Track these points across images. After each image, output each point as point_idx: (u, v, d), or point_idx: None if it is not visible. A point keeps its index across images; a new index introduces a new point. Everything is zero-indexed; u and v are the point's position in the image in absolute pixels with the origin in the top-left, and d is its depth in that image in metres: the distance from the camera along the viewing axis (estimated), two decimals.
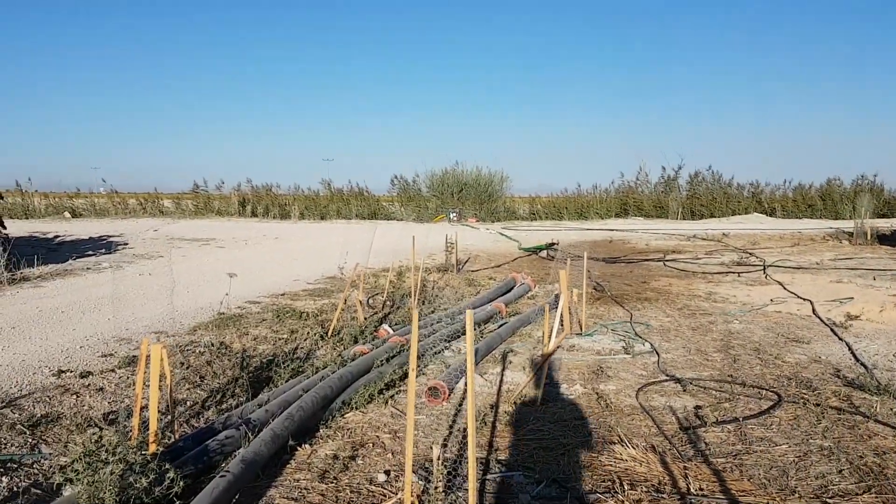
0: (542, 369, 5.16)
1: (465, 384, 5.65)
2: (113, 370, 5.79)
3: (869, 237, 18.07)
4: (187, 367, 5.91)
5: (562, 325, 6.81)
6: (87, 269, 12.52)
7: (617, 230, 24.45)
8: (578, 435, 4.47)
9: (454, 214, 29.63)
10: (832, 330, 7.62)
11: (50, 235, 19.45)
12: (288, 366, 5.91)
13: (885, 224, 21.49)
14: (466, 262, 14.28)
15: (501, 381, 5.78)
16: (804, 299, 9.61)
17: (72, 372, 5.69)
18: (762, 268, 13.33)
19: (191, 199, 34.48)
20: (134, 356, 6.14)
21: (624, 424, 4.67)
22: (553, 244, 16.60)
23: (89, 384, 5.38)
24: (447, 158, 65.65)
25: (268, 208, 32.57)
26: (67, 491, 3.64)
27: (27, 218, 29.28)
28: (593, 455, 4.10)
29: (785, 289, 10.67)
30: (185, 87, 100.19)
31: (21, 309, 8.47)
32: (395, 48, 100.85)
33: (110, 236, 19.48)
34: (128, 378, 5.57)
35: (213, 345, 6.53)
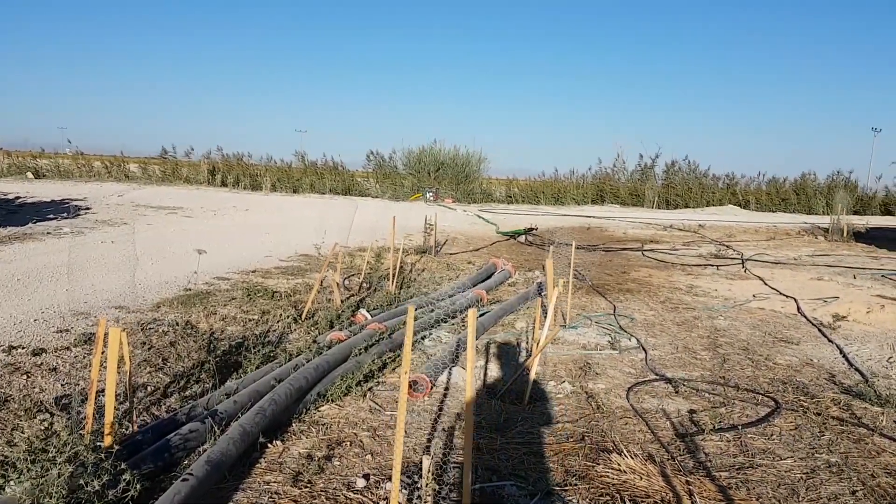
0: (532, 366, 4.86)
1: (448, 378, 5.34)
2: (68, 348, 5.36)
3: (845, 234, 18.13)
4: (149, 348, 5.50)
5: (552, 319, 6.52)
6: (48, 233, 11.92)
7: (594, 217, 24.29)
8: (571, 440, 4.18)
9: (430, 194, 29.21)
10: (820, 331, 7.45)
11: (10, 196, 18.63)
12: (259, 351, 5.53)
13: (860, 221, 21.63)
14: (444, 244, 13.94)
15: (485, 375, 5.49)
16: (787, 296, 9.47)
17: (24, 349, 5.24)
18: (740, 261, 13.23)
19: (158, 164, 33.46)
20: (91, 333, 5.70)
21: (617, 429, 4.40)
22: (531, 229, 16.34)
23: (42, 363, 4.95)
24: (425, 137, 64.94)
25: (238, 178, 31.75)
26: (8, 491, 3.25)
27: None
28: (589, 464, 3.82)
29: (766, 284, 10.54)
30: (158, 48, 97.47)
31: None
32: (377, 25, 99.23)
33: (73, 200, 18.72)
34: (84, 357, 5.14)
35: (177, 324, 6.12)
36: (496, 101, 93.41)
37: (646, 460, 3.86)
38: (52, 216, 14.51)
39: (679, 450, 4.13)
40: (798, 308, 8.70)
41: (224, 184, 31.52)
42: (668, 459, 3.96)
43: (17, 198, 18.44)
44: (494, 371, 5.59)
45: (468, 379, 2.99)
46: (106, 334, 3.78)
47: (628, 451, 3.93)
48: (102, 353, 3.82)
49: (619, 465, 3.78)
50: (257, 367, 5.24)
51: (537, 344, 5.09)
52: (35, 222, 13.13)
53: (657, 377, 5.60)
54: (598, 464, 3.83)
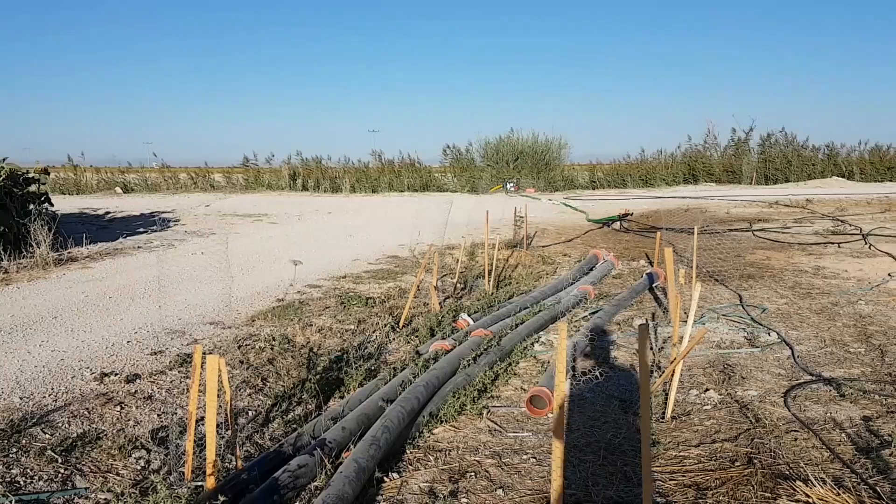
0: (674, 375, 4.21)
1: (570, 390, 4.75)
2: (164, 372, 5.07)
3: None
4: (247, 367, 5.16)
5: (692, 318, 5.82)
6: (138, 247, 11.99)
7: (689, 197, 23.02)
8: (736, 464, 3.53)
9: (511, 185, 28.49)
10: None
11: (100, 212, 19.12)
12: (360, 366, 5.10)
13: None
14: (534, 235, 13.30)
15: (612, 385, 4.86)
16: None
17: (116, 375, 4.98)
18: (862, 237, 12.02)
19: (241, 172, 34.00)
20: (187, 354, 5.41)
21: (787, 447, 3.71)
22: (626, 215, 15.45)
23: (136, 391, 4.66)
24: (501, 126, 63.92)
25: (318, 181, 31.90)
26: None
27: (78, 194, 29.20)
28: (768, 496, 3.16)
29: None
30: (233, 60, 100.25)
31: (66, 294, 7.87)
32: (444, 15, 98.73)
33: (162, 212, 19.06)
34: (181, 382, 4.83)
35: (274, 339, 5.76)
36: (574, 84, 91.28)
37: (837, 488, 3.17)
38: (141, 229, 14.70)
39: (868, 470, 3.42)
40: None
41: (305, 188, 31.76)
42: (859, 484, 3.26)
43: (107, 213, 18.90)
44: (622, 380, 4.96)
45: (556, 399, 2.40)
46: (203, 360, 3.39)
47: (813, 477, 3.25)
48: (200, 380, 3.44)
49: (807, 496, 3.10)
50: (360, 384, 4.81)
51: (676, 346, 4.42)
52: (125, 237, 13.29)
53: (814, 378, 4.84)
54: (779, 495, 3.16)
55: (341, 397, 4.67)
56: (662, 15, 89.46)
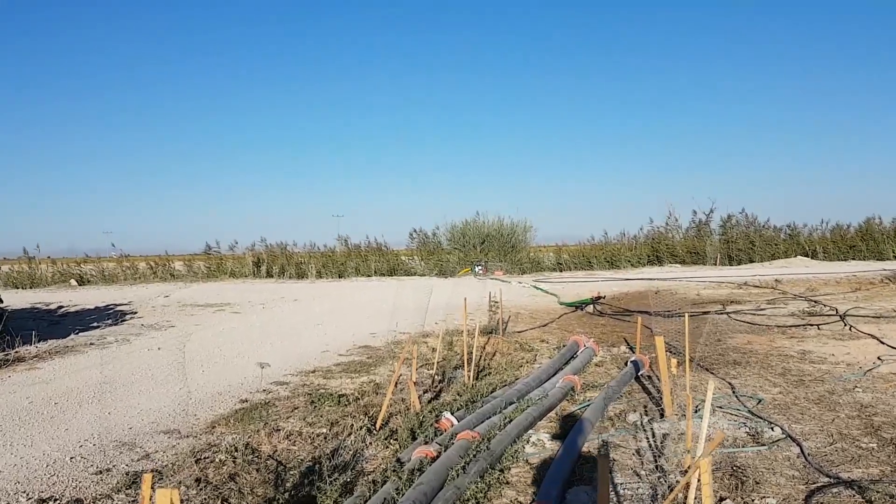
0: (690, 486, 3.76)
1: (570, 502, 4.26)
2: (109, 496, 4.44)
3: None
4: (205, 485, 4.56)
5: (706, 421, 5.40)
6: (91, 344, 11.25)
7: (657, 279, 23.00)
8: None
9: (480, 268, 28.32)
10: None
11: (53, 306, 18.25)
12: (335, 479, 4.55)
13: None
14: (509, 320, 12.91)
15: (619, 497, 4.38)
16: None
17: (57, 502, 4.34)
18: (840, 318, 11.91)
19: (203, 260, 33.27)
20: (136, 473, 4.80)
21: None
22: (598, 298, 15.22)
23: None
24: (467, 210, 64.45)
25: (283, 268, 31.35)
26: None
27: (32, 287, 28.11)
28: None
29: (884, 343, 9.28)
30: (193, 148, 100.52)
31: (8, 401, 7.16)
32: (406, 98, 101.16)
33: (118, 305, 18.26)
34: None
35: (236, 449, 5.18)
36: (537, 168, 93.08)
37: None
38: (95, 324, 13.92)
39: None
40: None
41: (269, 274, 31.14)
42: None
43: (60, 307, 18.04)
44: (630, 489, 4.48)
45: None
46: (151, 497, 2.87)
47: None
48: None
49: None
50: (335, 502, 4.25)
51: (689, 452, 4.00)
52: (77, 332, 12.52)
53: (833, 480, 4.43)
54: None
55: None
56: (616, 96, 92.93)
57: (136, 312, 16.53)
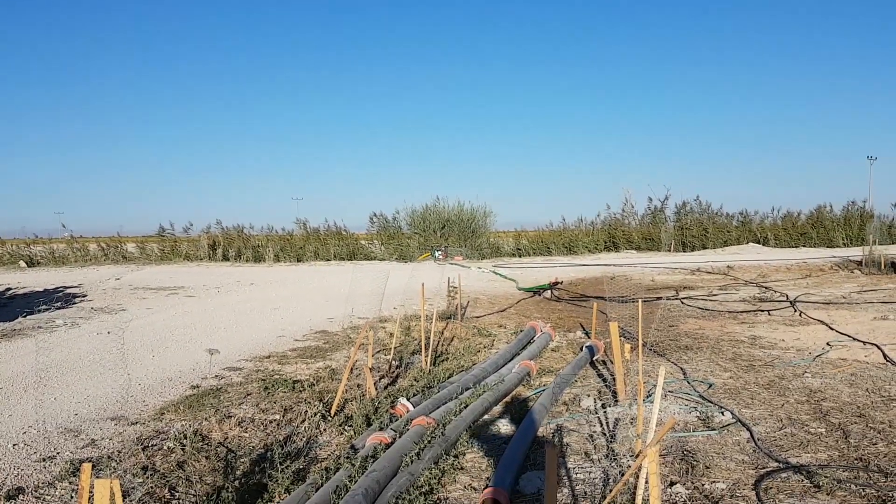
0: (640, 471, 3.79)
1: (516, 484, 4.27)
2: (52, 484, 4.30)
3: (883, 266, 17.13)
4: (152, 473, 4.45)
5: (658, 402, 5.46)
6: (38, 327, 10.91)
7: (613, 265, 23.29)
8: None
9: (440, 253, 28.29)
10: None
11: (0, 288, 17.66)
12: (287, 466, 4.48)
13: (894, 251, 20.60)
14: (467, 305, 12.93)
15: (571, 480, 4.40)
16: (865, 342, 8.44)
17: None
18: (790, 304, 12.20)
19: (156, 242, 32.48)
20: (82, 460, 4.65)
21: None
22: (556, 283, 15.33)
23: None
24: (427, 194, 64.23)
25: (240, 251, 30.83)
26: None
27: None
28: None
29: (833, 329, 9.52)
30: (149, 128, 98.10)
31: None
32: (367, 82, 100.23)
33: (67, 287, 17.75)
34: (70, 498, 4.08)
35: (185, 436, 5.06)
36: (497, 153, 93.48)
37: None
38: (44, 307, 13.50)
39: None
40: (885, 356, 7.67)
41: (226, 258, 30.61)
42: None
43: (8, 289, 17.46)
44: (582, 473, 4.51)
45: None
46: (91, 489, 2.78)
47: None
48: None
49: None
50: (287, 491, 4.19)
51: (640, 437, 4.03)
52: (25, 316, 12.13)
53: (782, 465, 4.53)
54: None
55: None
56: (577, 83, 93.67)
57: (86, 295, 16.10)
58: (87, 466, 2.91)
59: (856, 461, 4.56)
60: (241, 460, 4.68)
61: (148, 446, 4.97)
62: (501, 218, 34.63)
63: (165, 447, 4.92)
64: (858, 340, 8.62)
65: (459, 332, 10.02)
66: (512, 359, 7.86)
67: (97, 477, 4.28)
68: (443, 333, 9.85)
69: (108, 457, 4.79)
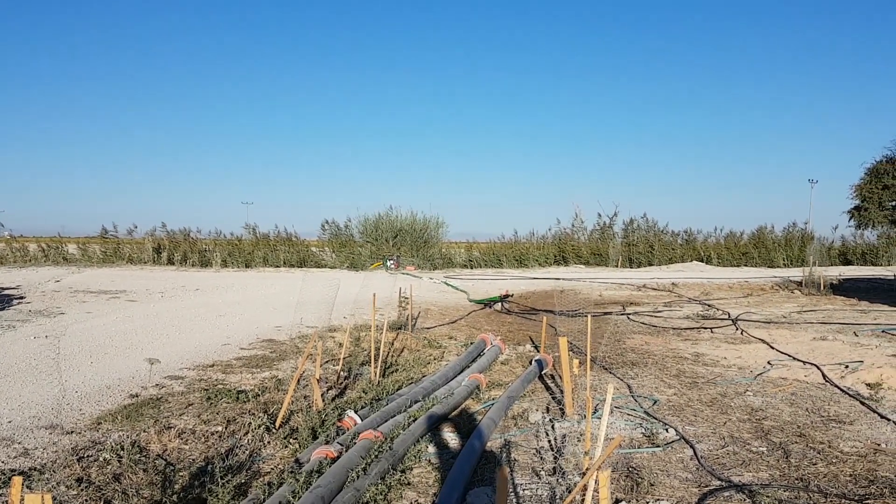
0: (587, 488, 3.81)
1: (472, 503, 4.24)
2: None
3: (822, 287, 17.73)
4: (87, 486, 4.27)
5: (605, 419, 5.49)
6: None
7: (563, 279, 23.56)
8: None
9: (392, 262, 28.18)
10: (865, 405, 6.62)
11: None
12: (228, 481, 4.36)
13: (831, 272, 21.36)
14: (418, 316, 12.88)
15: (518, 498, 4.40)
16: (805, 362, 8.69)
17: None
18: (731, 322, 12.52)
19: (99, 244, 31.49)
20: (13, 470, 4.44)
21: None
22: (507, 296, 15.42)
23: None
24: (379, 203, 64.01)
25: (186, 255, 30.15)
26: None
27: None
28: None
29: (774, 348, 9.77)
30: (93, 126, 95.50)
31: None
32: (325, 87, 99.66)
33: (4, 288, 17.06)
34: None
35: (122, 447, 4.88)
36: (450, 164, 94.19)
37: None
38: None
39: None
40: (824, 377, 7.90)
41: (171, 262, 29.90)
42: None
43: None
44: (529, 490, 4.50)
45: None
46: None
47: None
48: None
49: None
50: None
51: (588, 454, 4.05)
52: None
53: (724, 484, 4.60)
54: None
55: None
56: (532, 96, 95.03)
57: (23, 297, 15.50)
58: (17, 480, 2.77)
59: (796, 481, 4.67)
60: (181, 474, 4.54)
61: (83, 457, 4.78)
62: (454, 229, 34.72)
63: (101, 458, 4.73)
64: (798, 360, 8.87)
65: (410, 344, 9.97)
66: (462, 371, 7.85)
67: (29, 489, 4.10)
68: (393, 344, 9.78)
69: (42, 467, 4.59)
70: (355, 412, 5.87)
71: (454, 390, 6.85)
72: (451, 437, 5.62)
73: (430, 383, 7.08)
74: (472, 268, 30.26)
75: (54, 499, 3.92)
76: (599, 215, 33.53)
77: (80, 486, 4.27)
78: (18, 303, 14.47)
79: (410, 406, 6.20)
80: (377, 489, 4.27)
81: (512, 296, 15.97)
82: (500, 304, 15.12)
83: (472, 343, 9.58)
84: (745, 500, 4.31)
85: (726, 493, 4.42)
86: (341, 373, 7.78)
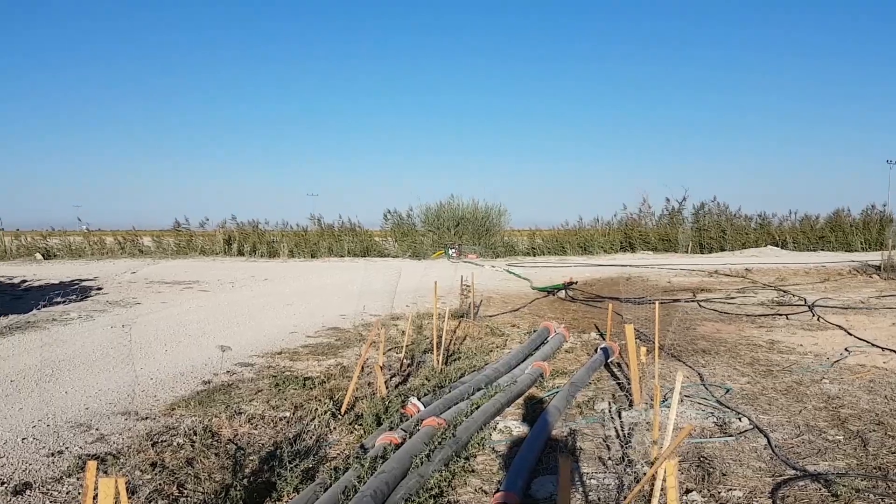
0: (657, 478, 3.70)
1: (529, 487, 4.19)
2: (60, 479, 4.28)
3: None
4: (161, 470, 4.41)
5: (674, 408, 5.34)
6: (53, 320, 10.96)
7: (630, 266, 23.09)
8: None
9: (453, 251, 28.22)
10: None
11: (16, 280, 17.80)
12: (296, 465, 4.43)
13: None
14: (480, 304, 12.84)
15: (584, 486, 4.32)
16: (884, 349, 8.28)
17: (4, 485, 4.17)
18: (808, 308, 12.01)
19: (172, 237, 32.66)
20: (91, 455, 4.63)
21: None
22: (571, 283, 15.21)
23: None
24: (441, 192, 64.13)
25: (255, 246, 30.94)
26: None
27: None
28: None
29: (852, 335, 9.34)
30: (166, 123, 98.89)
31: None
32: (386, 79, 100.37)
33: (83, 280, 17.86)
34: (78, 494, 4.06)
35: (195, 432, 5.03)
36: (512, 151, 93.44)
37: None
38: (59, 300, 13.58)
39: None
40: None
41: (241, 253, 30.74)
42: None
43: (24, 281, 17.60)
44: (596, 479, 4.42)
45: None
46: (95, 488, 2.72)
47: None
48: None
49: None
50: (295, 490, 4.14)
51: (657, 444, 3.94)
52: (40, 308, 12.20)
53: (799, 473, 4.42)
54: None
55: None
56: (593, 82, 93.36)
57: (101, 289, 16.18)
58: (91, 464, 2.86)
59: (874, 470, 4.45)
60: (251, 458, 4.64)
61: (157, 442, 4.95)
62: (516, 216, 34.39)
63: (175, 443, 4.89)
64: (877, 346, 8.46)
65: (472, 332, 9.95)
66: (525, 359, 7.77)
67: (105, 473, 4.26)
68: (455, 332, 9.78)
69: (118, 452, 4.77)
70: (418, 399, 5.89)
71: (517, 378, 6.79)
72: (514, 424, 5.57)
73: (493, 371, 7.04)
74: (534, 255, 30.00)
75: (128, 483, 4.06)
76: (668, 200, 32.58)
77: (153, 470, 4.42)
78: (96, 294, 15.11)
79: (473, 394, 6.17)
80: (441, 475, 4.27)
81: (576, 283, 15.75)
82: (563, 291, 14.93)
83: (534, 331, 9.48)
84: (820, 489, 4.12)
85: (801, 483, 4.23)
86: (404, 360, 7.82)
